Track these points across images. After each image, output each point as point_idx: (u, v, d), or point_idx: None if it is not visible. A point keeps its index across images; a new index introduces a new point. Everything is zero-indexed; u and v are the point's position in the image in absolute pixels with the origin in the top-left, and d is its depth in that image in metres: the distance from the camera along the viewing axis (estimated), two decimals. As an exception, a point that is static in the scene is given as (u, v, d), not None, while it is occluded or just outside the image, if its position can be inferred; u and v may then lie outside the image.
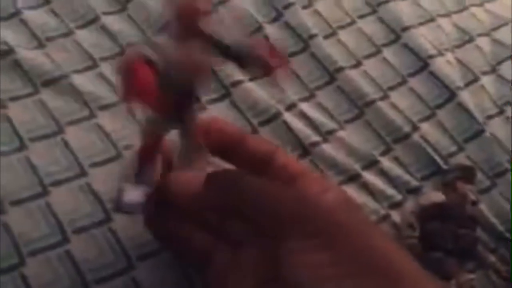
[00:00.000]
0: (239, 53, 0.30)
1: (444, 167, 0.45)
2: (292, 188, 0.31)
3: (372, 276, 0.28)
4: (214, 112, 0.44)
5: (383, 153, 0.45)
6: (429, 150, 0.45)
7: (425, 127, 0.47)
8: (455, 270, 0.39)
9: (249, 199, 0.30)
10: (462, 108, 0.48)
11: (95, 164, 0.40)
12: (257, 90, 0.45)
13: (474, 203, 0.42)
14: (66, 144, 0.40)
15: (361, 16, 0.53)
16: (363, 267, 0.28)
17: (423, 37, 0.52)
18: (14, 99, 0.41)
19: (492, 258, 0.41)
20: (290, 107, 0.45)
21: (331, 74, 0.48)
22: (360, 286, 0.28)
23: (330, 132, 0.45)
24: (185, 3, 0.28)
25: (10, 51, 0.43)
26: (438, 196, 0.42)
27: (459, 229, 0.40)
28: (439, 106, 0.48)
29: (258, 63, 0.30)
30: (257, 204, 0.30)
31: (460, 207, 0.41)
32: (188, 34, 0.29)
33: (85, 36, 0.46)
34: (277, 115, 0.44)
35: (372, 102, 0.47)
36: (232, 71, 0.46)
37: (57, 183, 0.38)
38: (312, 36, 0.49)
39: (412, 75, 0.50)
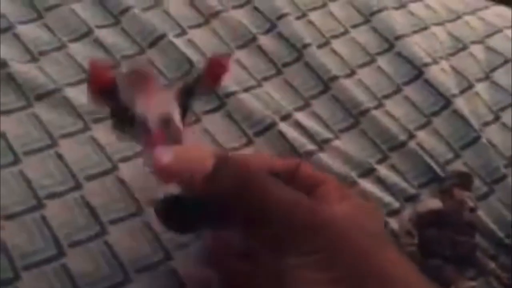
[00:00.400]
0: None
1: (441, 174, 0.45)
2: (310, 197, 0.30)
3: None
4: (209, 123, 0.44)
5: (380, 161, 0.45)
6: (426, 157, 0.45)
7: (421, 135, 0.47)
8: (454, 277, 0.39)
9: (260, 200, 0.30)
10: (458, 115, 0.48)
11: (90, 177, 0.39)
12: (252, 100, 0.45)
13: (472, 210, 0.42)
14: (60, 157, 0.40)
15: (354, 26, 0.53)
16: (361, 283, 0.28)
17: (417, 46, 0.52)
18: (7, 112, 0.41)
19: (492, 265, 0.41)
20: (285, 117, 0.45)
21: (325, 83, 0.48)
22: None
23: (326, 141, 0.45)
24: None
25: (3, 65, 0.43)
26: (435, 203, 0.42)
27: (457, 236, 0.40)
28: (435, 114, 0.48)
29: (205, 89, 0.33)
30: (268, 209, 0.30)
31: (457, 214, 0.41)
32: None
33: (78, 49, 0.46)
34: (272, 125, 0.44)
35: (367, 110, 0.47)
36: (227, 83, 0.46)
37: (52, 196, 0.38)
38: (305, 46, 0.49)
39: (407, 83, 0.50)
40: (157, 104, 0.31)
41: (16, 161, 0.39)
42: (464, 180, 0.43)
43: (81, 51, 0.46)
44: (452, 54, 0.53)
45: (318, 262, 0.28)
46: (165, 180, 0.31)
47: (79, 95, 0.43)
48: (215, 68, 0.33)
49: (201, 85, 0.33)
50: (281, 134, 0.44)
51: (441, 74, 0.50)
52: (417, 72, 0.50)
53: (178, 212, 0.32)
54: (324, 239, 0.29)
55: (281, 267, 0.29)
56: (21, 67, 0.43)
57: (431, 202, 0.42)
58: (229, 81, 0.46)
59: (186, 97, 0.33)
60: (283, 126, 0.44)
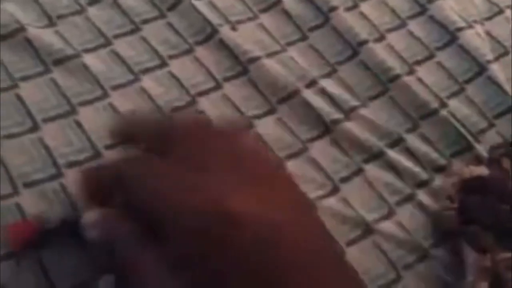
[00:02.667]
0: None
1: (475, 144, 0.43)
2: None
3: None
4: (231, 90, 0.42)
5: (409, 130, 0.43)
6: (458, 126, 0.43)
7: (453, 103, 0.45)
8: (491, 245, 0.37)
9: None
10: (493, 82, 0.46)
11: (109, 146, 0.38)
12: (275, 66, 0.44)
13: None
14: (79, 125, 0.39)
15: (384, -13, 0.50)
16: None
17: (451, 9, 0.49)
18: (25, 78, 0.40)
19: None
20: (311, 83, 0.44)
21: (353, 48, 0.46)
22: None
23: (353, 109, 0.43)
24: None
25: (20, 29, 0.42)
26: (481, 170, 0.40)
27: (499, 204, 0.38)
28: (468, 81, 0.46)
29: None
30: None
31: (503, 183, 0.38)
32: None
33: (97, 13, 0.45)
34: (296, 92, 0.43)
35: (398, 77, 0.45)
36: (249, 48, 0.44)
37: (71, 164, 0.37)
38: (332, 9, 0.47)
39: (440, 48, 0.47)
40: None
41: (35, 127, 0.38)
42: None
43: (100, 15, 0.44)
44: (487, 19, 0.50)
45: None
46: None
47: (98, 61, 0.42)
48: None
49: None
50: (306, 102, 0.42)
51: (475, 39, 0.48)
52: (450, 37, 0.48)
53: None
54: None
55: None
56: (38, 32, 0.42)
57: (477, 169, 0.40)
58: (252, 46, 0.44)
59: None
60: (308, 94, 0.43)
